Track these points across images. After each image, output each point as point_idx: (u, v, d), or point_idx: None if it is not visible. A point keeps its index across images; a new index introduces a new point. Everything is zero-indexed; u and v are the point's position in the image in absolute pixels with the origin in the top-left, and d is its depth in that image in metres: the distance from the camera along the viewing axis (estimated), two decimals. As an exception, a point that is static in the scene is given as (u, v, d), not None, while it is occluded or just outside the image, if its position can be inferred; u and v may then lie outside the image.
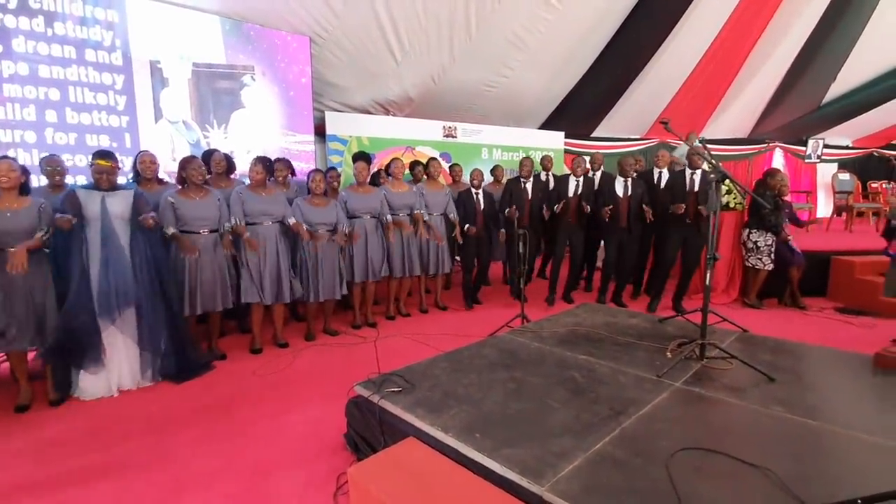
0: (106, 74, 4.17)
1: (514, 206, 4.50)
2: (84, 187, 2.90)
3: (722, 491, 1.51)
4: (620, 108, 8.26)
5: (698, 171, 4.38)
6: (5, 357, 3.06)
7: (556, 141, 8.23)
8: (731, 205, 4.83)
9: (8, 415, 2.71)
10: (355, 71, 5.82)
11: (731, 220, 4.86)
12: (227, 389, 3.02)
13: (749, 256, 4.69)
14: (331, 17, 4.99)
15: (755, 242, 4.62)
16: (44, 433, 2.53)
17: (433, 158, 4.79)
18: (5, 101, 3.81)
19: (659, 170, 4.70)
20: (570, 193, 4.71)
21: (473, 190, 4.76)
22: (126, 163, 3.85)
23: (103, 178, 2.88)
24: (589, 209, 4.54)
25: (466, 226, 4.61)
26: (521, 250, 3.93)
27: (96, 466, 2.22)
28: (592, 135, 8.89)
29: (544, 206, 4.78)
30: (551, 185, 5.07)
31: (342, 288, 3.87)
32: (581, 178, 4.75)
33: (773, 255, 4.60)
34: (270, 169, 3.89)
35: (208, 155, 3.92)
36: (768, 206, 4.22)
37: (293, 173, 4.40)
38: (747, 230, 4.69)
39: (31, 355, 2.90)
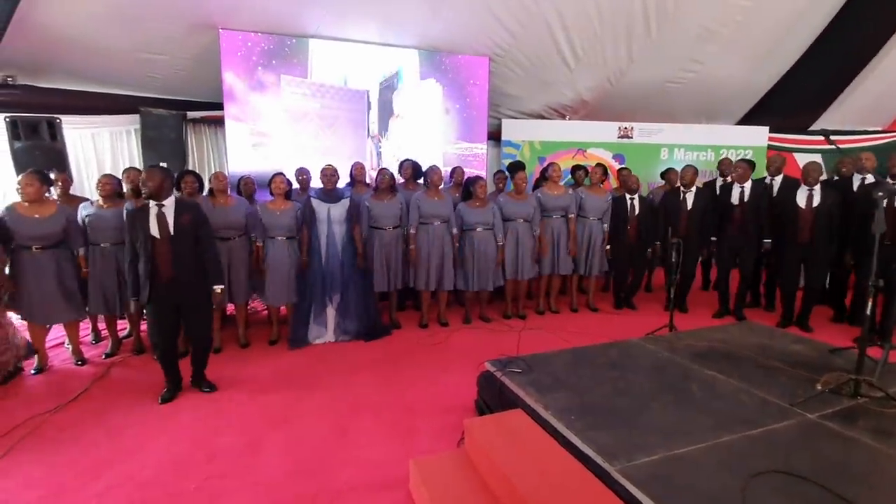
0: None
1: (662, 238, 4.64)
2: (316, 197, 3.99)
3: (793, 512, 1.55)
4: (851, 94, 6.82)
5: None
6: (265, 307, 4.46)
7: (757, 137, 7.24)
8: None
9: (264, 345, 4.04)
10: (530, 81, 6.25)
11: None
12: (398, 350, 3.89)
13: None
14: (508, 38, 5.53)
15: None
16: (281, 358, 3.77)
17: (598, 164, 4.90)
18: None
19: (862, 176, 3.94)
20: (735, 202, 4.32)
21: (628, 196, 4.71)
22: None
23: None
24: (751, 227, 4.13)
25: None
26: (674, 259, 3.86)
27: (307, 384, 3.30)
28: (811, 128, 7.53)
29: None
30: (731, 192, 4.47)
31: (497, 281, 4.41)
32: (745, 185, 4.29)
33: None
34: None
35: (401, 164, 4.92)
36: None
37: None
38: None
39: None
